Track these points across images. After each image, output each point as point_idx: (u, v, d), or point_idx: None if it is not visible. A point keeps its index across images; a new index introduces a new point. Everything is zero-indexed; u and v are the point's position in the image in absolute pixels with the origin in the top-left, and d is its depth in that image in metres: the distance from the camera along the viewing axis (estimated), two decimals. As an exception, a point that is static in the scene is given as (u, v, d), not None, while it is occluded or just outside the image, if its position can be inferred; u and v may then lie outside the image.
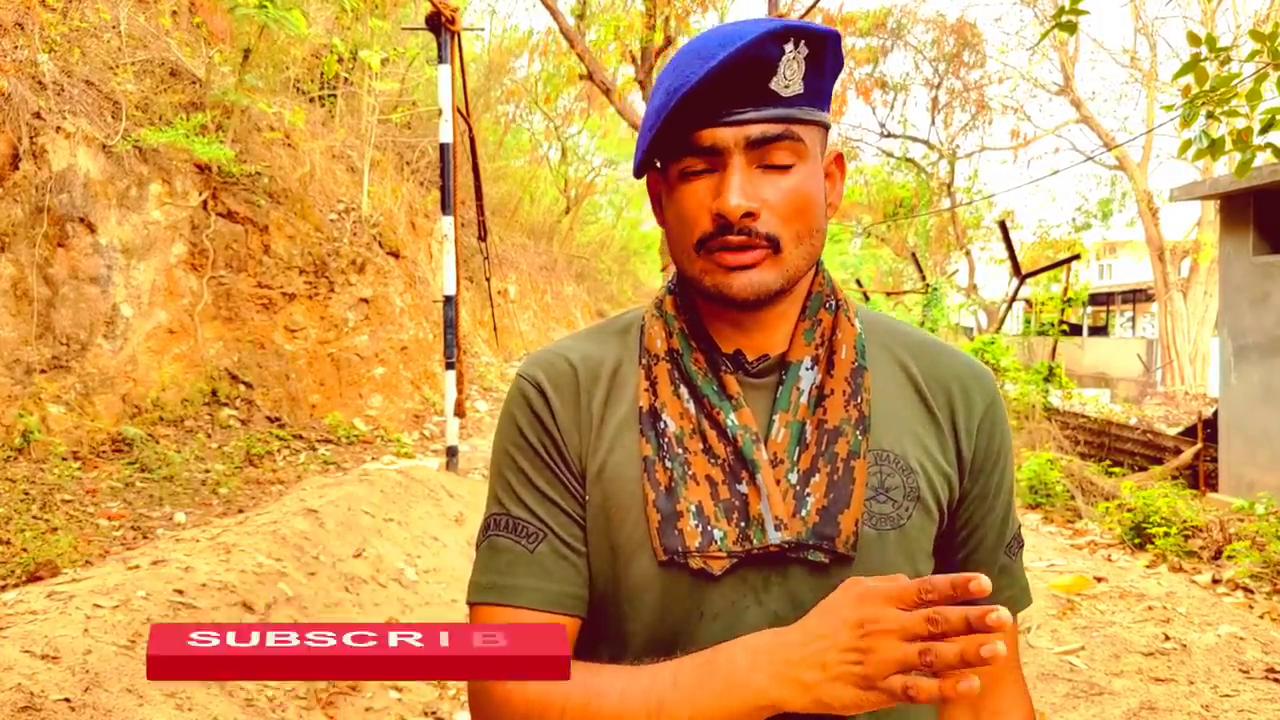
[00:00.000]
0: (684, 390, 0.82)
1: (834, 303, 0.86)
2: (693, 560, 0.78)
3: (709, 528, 0.78)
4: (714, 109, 0.75)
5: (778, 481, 0.79)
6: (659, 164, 0.83)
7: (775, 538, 0.77)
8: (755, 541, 0.77)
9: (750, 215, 0.76)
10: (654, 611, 0.80)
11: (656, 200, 0.87)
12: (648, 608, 0.80)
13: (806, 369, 0.83)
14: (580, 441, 0.83)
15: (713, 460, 0.80)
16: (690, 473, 0.79)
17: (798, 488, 0.79)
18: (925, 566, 0.84)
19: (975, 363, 0.90)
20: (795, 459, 0.80)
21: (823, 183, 0.82)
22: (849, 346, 0.84)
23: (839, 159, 0.86)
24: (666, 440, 0.80)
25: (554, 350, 0.89)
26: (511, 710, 0.76)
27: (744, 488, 0.79)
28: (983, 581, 0.62)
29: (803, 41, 0.75)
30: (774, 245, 0.78)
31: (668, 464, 0.80)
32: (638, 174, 0.85)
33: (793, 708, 0.69)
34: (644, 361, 0.85)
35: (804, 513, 0.78)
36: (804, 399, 0.82)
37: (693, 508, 0.78)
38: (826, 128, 0.82)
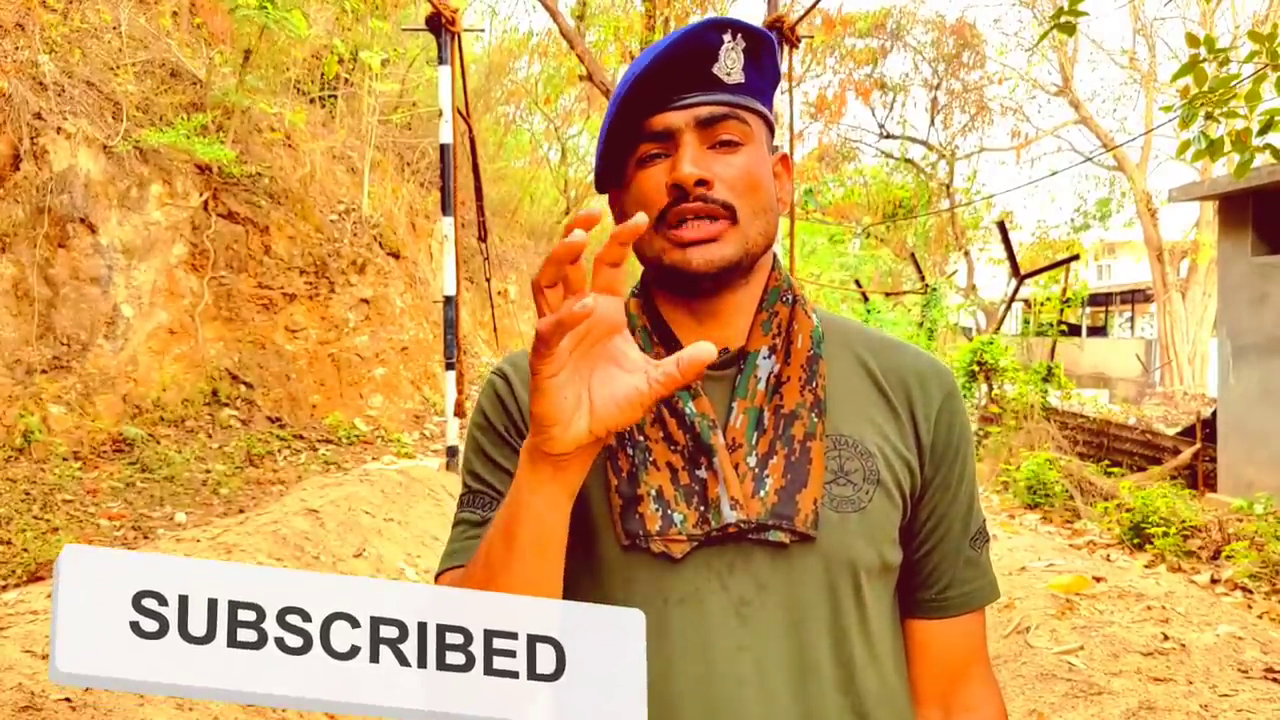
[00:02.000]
0: None
1: (790, 296, 0.89)
2: (654, 544, 0.80)
3: (669, 511, 0.80)
4: (663, 95, 0.81)
5: (736, 466, 0.81)
6: (614, 179, 0.87)
7: (731, 517, 0.79)
8: (714, 524, 0.79)
9: (704, 184, 0.80)
10: (619, 596, 0.81)
11: (617, 211, 0.90)
12: (612, 592, 0.82)
13: (764, 358, 0.85)
14: None
15: (672, 447, 0.82)
16: (651, 459, 0.82)
17: (756, 470, 0.81)
18: (891, 553, 0.85)
19: (934, 359, 0.92)
20: (754, 443, 0.82)
21: (770, 172, 0.86)
22: (805, 336, 0.87)
23: (784, 159, 0.90)
24: (628, 429, 0.82)
25: (522, 352, 0.93)
26: None
27: (703, 473, 0.81)
28: (640, 219, 0.65)
29: (739, 34, 0.81)
30: (731, 214, 0.81)
31: (629, 451, 0.82)
32: (599, 186, 0.90)
33: (531, 469, 0.70)
34: None
35: (763, 494, 0.80)
36: (761, 386, 0.84)
37: (653, 492, 0.80)
38: (770, 126, 0.87)
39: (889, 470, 0.85)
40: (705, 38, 0.79)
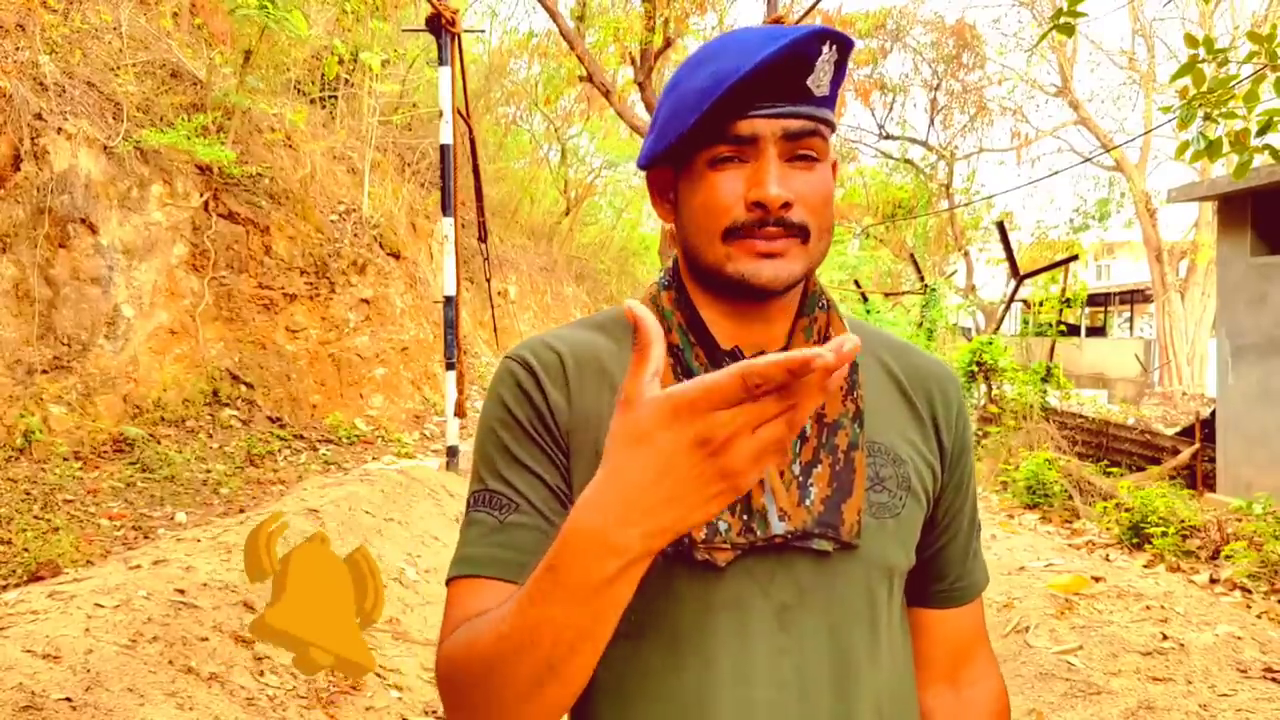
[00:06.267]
0: None
1: (825, 302, 0.89)
2: (698, 552, 0.79)
3: (714, 520, 0.79)
4: (752, 100, 0.77)
5: (781, 474, 0.80)
6: (675, 162, 0.84)
7: (779, 528, 0.79)
8: (759, 533, 0.79)
9: (787, 206, 0.78)
10: (661, 603, 0.80)
11: (663, 191, 0.87)
12: (654, 599, 0.80)
13: None
14: (570, 419, 0.83)
15: None
16: None
17: (800, 478, 0.81)
18: (913, 554, 0.88)
19: (942, 362, 0.96)
20: (797, 451, 0.82)
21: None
22: None
23: (834, 164, 0.89)
24: None
25: (540, 339, 0.89)
26: (441, 667, 0.75)
27: None
28: (827, 357, 0.51)
29: (835, 46, 0.78)
30: (804, 235, 0.80)
31: None
32: (645, 165, 0.85)
33: (665, 544, 0.60)
34: None
35: (808, 502, 0.80)
36: None
37: None
38: (835, 130, 0.85)
39: (918, 477, 0.87)
40: (808, 49, 0.76)
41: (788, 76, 0.76)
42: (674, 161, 0.84)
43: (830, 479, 0.81)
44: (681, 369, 0.84)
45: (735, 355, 0.85)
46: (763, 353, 0.84)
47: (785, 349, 0.85)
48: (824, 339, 0.86)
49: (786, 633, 0.80)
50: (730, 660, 0.80)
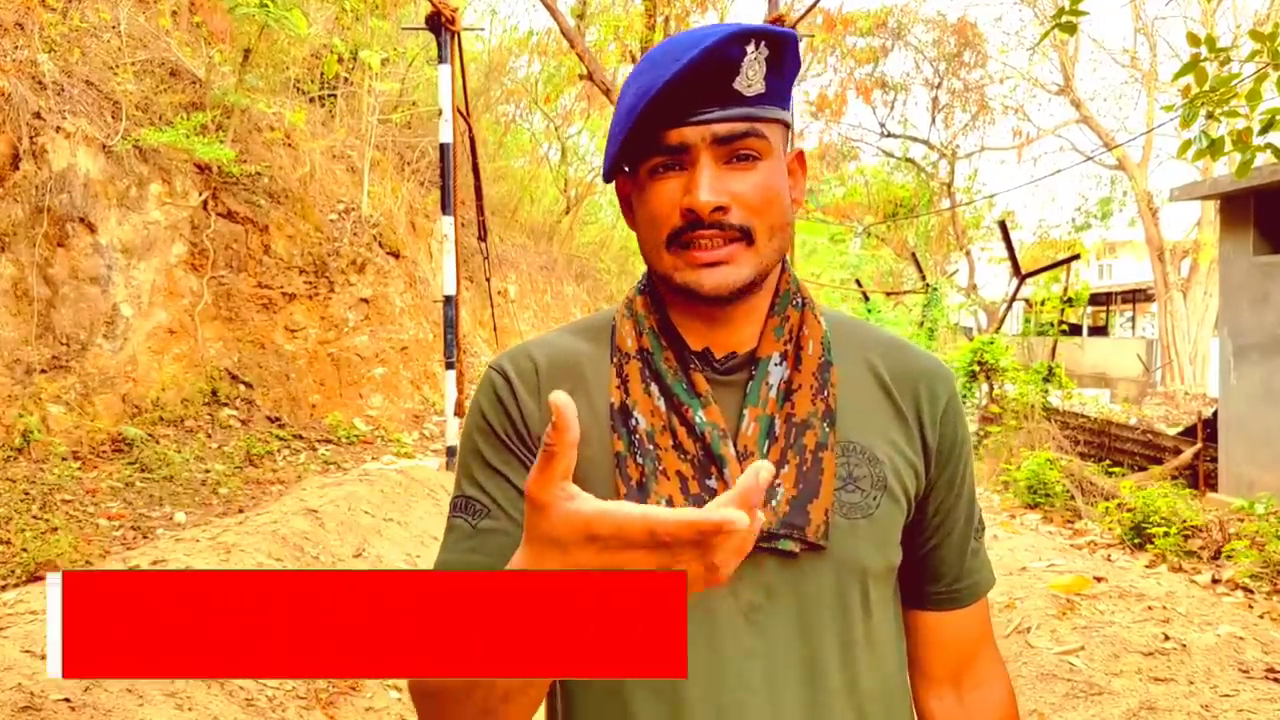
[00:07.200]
0: (654, 388, 0.84)
1: (800, 300, 0.89)
2: None
3: None
4: (681, 110, 0.78)
5: None
6: (627, 168, 0.86)
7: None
8: None
9: (721, 209, 0.78)
10: None
11: (626, 202, 0.89)
12: None
13: (775, 364, 0.85)
14: (541, 424, 0.85)
15: (682, 456, 0.81)
16: (661, 468, 0.81)
17: None
18: (895, 555, 0.87)
19: (936, 359, 0.94)
20: (765, 451, 0.82)
21: (787, 179, 0.85)
22: (815, 342, 0.87)
23: (800, 156, 0.89)
24: (637, 437, 0.82)
25: (522, 347, 0.91)
26: (409, 682, 0.77)
27: (713, 483, 0.80)
28: (739, 522, 0.50)
29: (763, 43, 0.77)
30: (747, 236, 0.80)
31: (639, 460, 0.81)
32: (607, 178, 0.87)
33: None
34: (615, 359, 0.87)
35: (774, 503, 0.80)
36: (773, 393, 0.84)
37: (663, 502, 0.79)
38: (788, 126, 0.85)
39: (896, 477, 0.86)
40: (728, 53, 0.75)
41: (711, 82, 0.77)
42: (630, 171, 0.85)
43: (796, 479, 0.81)
44: (650, 372, 0.85)
45: (705, 356, 0.86)
46: (734, 354, 0.85)
47: (755, 350, 0.85)
48: (796, 339, 0.86)
49: (755, 634, 0.80)
50: (700, 661, 0.80)
